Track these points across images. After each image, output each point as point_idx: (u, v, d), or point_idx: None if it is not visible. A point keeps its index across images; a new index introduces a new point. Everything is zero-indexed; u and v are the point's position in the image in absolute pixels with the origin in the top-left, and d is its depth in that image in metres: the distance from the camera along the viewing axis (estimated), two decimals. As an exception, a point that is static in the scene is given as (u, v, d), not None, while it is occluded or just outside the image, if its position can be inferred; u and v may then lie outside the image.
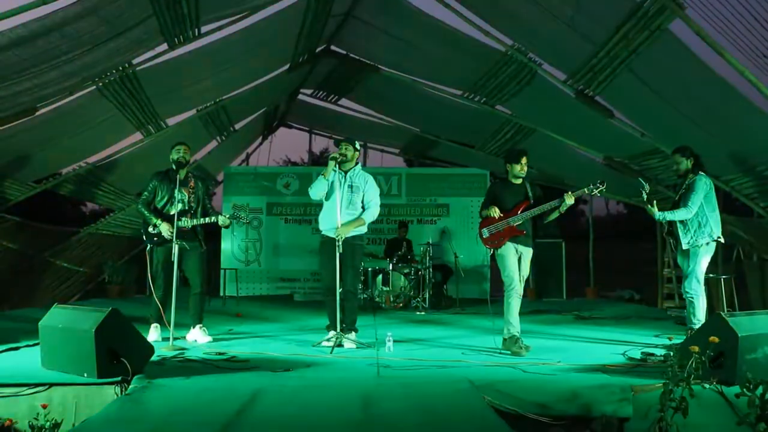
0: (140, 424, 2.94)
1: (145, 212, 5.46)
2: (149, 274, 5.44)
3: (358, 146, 5.44)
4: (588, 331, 6.30)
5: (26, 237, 8.17)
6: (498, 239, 4.99)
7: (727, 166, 6.48)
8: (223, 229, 10.39)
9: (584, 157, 8.43)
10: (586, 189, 4.92)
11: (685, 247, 5.12)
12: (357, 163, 5.44)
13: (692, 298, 5.09)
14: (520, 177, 5.10)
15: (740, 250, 8.21)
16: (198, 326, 5.45)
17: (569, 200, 4.82)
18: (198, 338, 5.37)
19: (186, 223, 5.38)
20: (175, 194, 5.40)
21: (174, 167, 5.47)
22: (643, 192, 5.13)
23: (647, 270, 10.50)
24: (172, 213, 5.35)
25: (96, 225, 9.66)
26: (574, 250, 10.93)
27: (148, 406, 3.21)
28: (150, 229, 5.47)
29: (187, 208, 5.47)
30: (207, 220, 5.45)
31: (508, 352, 4.80)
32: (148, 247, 5.51)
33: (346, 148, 5.33)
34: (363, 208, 5.34)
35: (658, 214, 5.16)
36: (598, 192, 4.88)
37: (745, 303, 7.48)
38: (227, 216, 5.47)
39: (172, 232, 5.24)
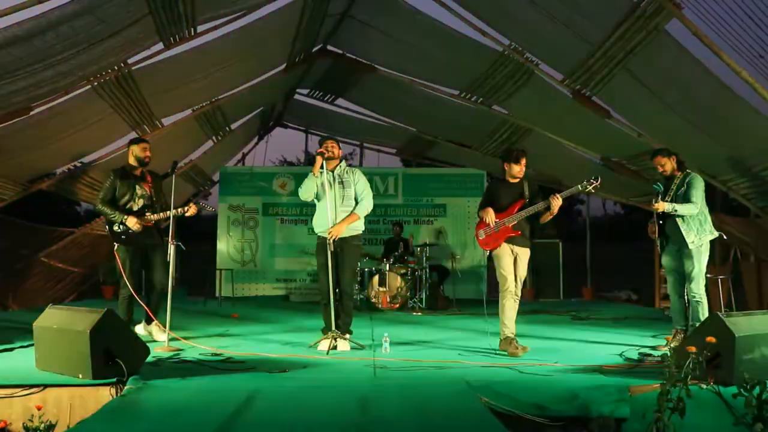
0: (136, 425, 2.92)
1: (107, 210, 5.30)
2: (119, 273, 5.30)
3: (340, 145, 5.51)
4: (585, 331, 6.30)
5: (20, 237, 8.13)
6: (493, 240, 4.97)
7: (724, 167, 6.48)
8: (218, 229, 10.57)
9: (581, 157, 8.43)
10: (579, 186, 4.88)
11: (690, 246, 5.05)
12: (341, 160, 5.45)
13: (701, 298, 5.06)
14: (517, 177, 5.09)
15: (737, 251, 8.22)
16: (154, 322, 5.38)
17: (554, 203, 4.81)
18: (154, 334, 5.33)
19: (151, 217, 5.31)
20: (137, 190, 5.35)
21: (136, 164, 5.39)
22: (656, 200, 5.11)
23: (644, 270, 10.50)
24: (135, 210, 5.28)
25: (91, 225, 9.62)
26: (571, 250, 10.92)
27: (144, 408, 3.19)
28: (115, 227, 5.32)
29: (149, 203, 5.41)
30: (172, 213, 5.15)
31: (505, 352, 4.79)
32: (115, 246, 5.36)
33: (332, 146, 5.35)
34: (357, 201, 5.30)
35: (668, 205, 5.04)
36: (593, 188, 4.83)
37: (742, 303, 7.49)
38: (192, 205, 5.38)
39: (141, 225, 5.19)
